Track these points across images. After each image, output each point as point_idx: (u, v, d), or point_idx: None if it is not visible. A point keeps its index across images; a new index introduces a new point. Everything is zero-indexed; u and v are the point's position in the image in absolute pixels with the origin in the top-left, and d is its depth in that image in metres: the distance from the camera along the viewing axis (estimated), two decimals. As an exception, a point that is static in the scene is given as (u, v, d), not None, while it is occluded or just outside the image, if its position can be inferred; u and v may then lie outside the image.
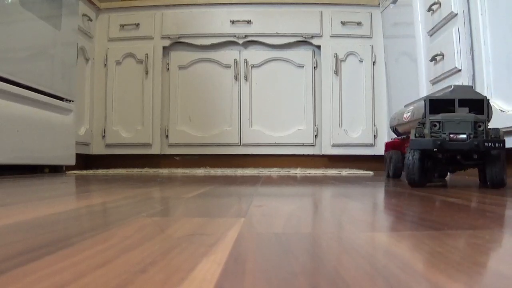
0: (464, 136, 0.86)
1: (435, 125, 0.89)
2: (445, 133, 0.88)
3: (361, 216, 0.48)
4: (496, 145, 0.84)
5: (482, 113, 0.95)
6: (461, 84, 1.18)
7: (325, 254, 0.29)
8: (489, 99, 1.00)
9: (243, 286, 0.22)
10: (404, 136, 1.33)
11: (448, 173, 1.06)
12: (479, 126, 0.88)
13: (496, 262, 0.27)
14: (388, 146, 1.48)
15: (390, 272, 0.24)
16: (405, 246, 0.31)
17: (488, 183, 0.89)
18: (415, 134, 0.90)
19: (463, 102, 0.97)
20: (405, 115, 1.28)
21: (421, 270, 0.25)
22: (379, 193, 0.83)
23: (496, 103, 1.43)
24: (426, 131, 0.90)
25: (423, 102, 1.03)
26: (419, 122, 1.00)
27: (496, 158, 0.86)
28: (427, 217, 0.49)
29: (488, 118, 0.96)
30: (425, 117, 0.98)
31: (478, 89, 1.54)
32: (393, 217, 0.48)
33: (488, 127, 0.92)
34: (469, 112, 0.94)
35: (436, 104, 0.97)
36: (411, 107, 1.25)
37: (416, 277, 0.23)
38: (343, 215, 0.49)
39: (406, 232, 0.38)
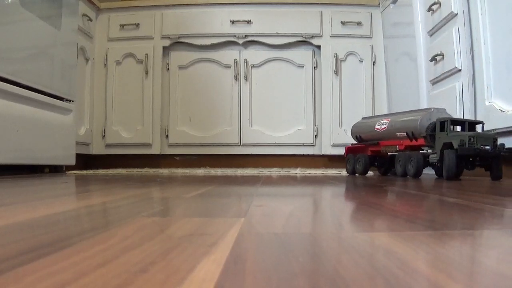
0: (489, 147, 1.23)
1: (470, 139, 1.22)
2: (477, 145, 1.22)
3: (361, 216, 0.48)
4: (502, 151, 1.23)
5: (470, 130, 1.32)
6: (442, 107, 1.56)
7: (325, 254, 0.29)
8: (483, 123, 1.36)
9: (243, 286, 0.22)
10: (372, 142, 1.68)
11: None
12: (494, 141, 1.25)
13: (496, 262, 0.27)
14: (350, 149, 1.80)
15: (390, 272, 0.24)
16: (405, 246, 0.31)
17: (492, 177, 1.27)
18: (459, 143, 1.23)
19: (457, 122, 1.35)
20: (378, 126, 1.63)
21: (421, 270, 0.25)
22: (379, 193, 0.83)
23: (496, 103, 1.43)
24: (457, 142, 1.24)
25: (401, 114, 1.55)
26: (429, 134, 1.37)
27: (499, 161, 1.24)
28: (427, 217, 0.49)
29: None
30: (433, 131, 1.36)
31: (478, 89, 1.54)
32: (393, 217, 0.48)
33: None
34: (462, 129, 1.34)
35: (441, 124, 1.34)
36: (385, 120, 1.62)
37: (416, 277, 0.23)
38: (343, 215, 0.49)
39: (406, 232, 0.38)
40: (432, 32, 1.86)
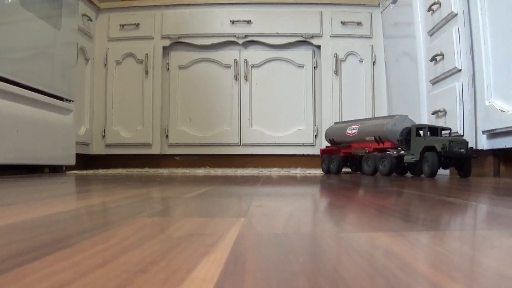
0: (463, 150, 1.41)
1: (450, 143, 1.39)
2: (455, 148, 1.40)
3: (361, 216, 0.48)
4: (473, 154, 1.43)
5: (434, 135, 1.51)
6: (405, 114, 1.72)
7: (325, 254, 0.29)
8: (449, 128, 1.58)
9: (243, 286, 0.22)
10: (344, 145, 1.88)
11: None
12: (467, 145, 1.43)
13: (496, 262, 0.27)
14: (325, 151, 1.95)
15: (390, 272, 0.24)
16: (405, 246, 0.31)
17: (462, 174, 1.46)
18: (441, 147, 1.40)
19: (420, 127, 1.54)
20: (349, 131, 1.82)
21: (421, 270, 0.25)
22: (379, 193, 0.83)
23: (496, 103, 1.43)
24: (440, 146, 1.40)
25: (368, 121, 1.76)
26: (404, 139, 1.55)
27: (470, 161, 1.44)
28: (427, 216, 0.49)
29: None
30: (407, 136, 1.54)
31: (478, 89, 1.54)
32: (393, 217, 0.48)
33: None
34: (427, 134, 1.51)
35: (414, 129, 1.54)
36: (355, 126, 1.81)
37: (416, 277, 0.23)
38: (343, 215, 0.49)
39: (406, 232, 0.38)
40: (432, 32, 1.86)
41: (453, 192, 0.83)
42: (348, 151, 1.85)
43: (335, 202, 0.65)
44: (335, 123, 2.00)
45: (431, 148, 1.43)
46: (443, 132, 1.56)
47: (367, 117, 2.07)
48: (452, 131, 1.58)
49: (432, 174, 1.41)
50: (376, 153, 1.67)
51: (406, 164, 1.58)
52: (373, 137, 1.68)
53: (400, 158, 1.57)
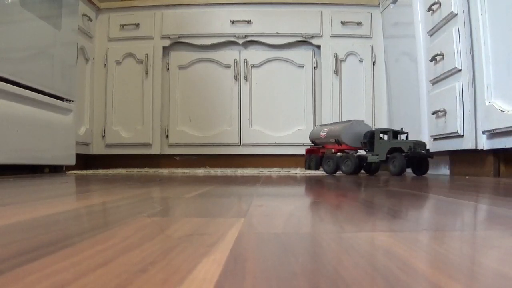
0: (424, 151, 1.59)
1: (410, 145, 1.56)
2: (418, 149, 1.57)
3: (361, 216, 0.48)
4: (430, 155, 1.61)
5: (394, 138, 1.68)
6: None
7: (325, 254, 0.29)
8: (407, 133, 1.77)
9: (243, 286, 0.22)
10: (320, 145, 2.05)
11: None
12: (425, 146, 1.61)
13: (496, 262, 0.27)
14: (309, 151, 2.11)
15: (390, 272, 0.24)
16: (405, 246, 0.31)
17: (419, 173, 1.64)
18: (407, 149, 1.56)
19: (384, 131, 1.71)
20: (321, 134, 2.00)
21: (421, 270, 0.25)
22: (378, 193, 0.83)
23: (496, 103, 1.43)
24: (406, 147, 1.58)
25: (335, 125, 1.93)
26: (368, 141, 1.73)
27: (427, 162, 1.63)
28: (427, 216, 0.49)
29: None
30: (370, 139, 1.72)
31: (478, 89, 1.54)
32: (393, 216, 0.48)
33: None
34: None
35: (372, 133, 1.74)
36: (325, 129, 1.98)
37: (416, 277, 0.23)
38: (343, 215, 0.49)
39: (406, 232, 0.38)
40: (432, 32, 1.86)
41: (456, 192, 0.83)
42: (323, 151, 2.03)
43: (335, 202, 0.65)
44: (319, 125, 2.15)
45: (397, 149, 1.60)
46: (402, 136, 1.75)
47: (337, 121, 2.20)
48: (407, 135, 1.78)
49: (401, 172, 1.56)
50: (338, 153, 1.86)
51: (365, 164, 1.76)
52: (334, 140, 1.89)
53: (360, 158, 1.73)
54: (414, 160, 1.59)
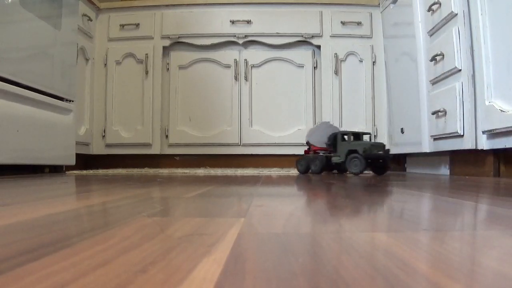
0: (381, 152, 1.68)
1: (365, 147, 1.67)
2: (374, 151, 1.67)
3: (361, 216, 0.48)
4: (389, 155, 1.71)
5: (356, 140, 1.79)
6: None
7: (325, 254, 0.29)
8: (369, 133, 1.91)
9: (243, 286, 0.22)
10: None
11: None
12: (384, 147, 1.72)
13: (496, 262, 0.27)
14: (305, 152, 2.10)
15: (390, 272, 0.24)
16: (405, 246, 0.31)
17: (379, 172, 1.73)
18: (362, 151, 1.67)
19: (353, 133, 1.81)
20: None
21: (421, 270, 0.25)
22: (379, 193, 0.83)
23: (496, 103, 1.43)
24: (362, 149, 1.68)
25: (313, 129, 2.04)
26: (332, 143, 1.84)
27: (388, 162, 1.72)
28: (427, 217, 0.49)
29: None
30: (334, 141, 1.83)
31: (478, 89, 1.54)
32: (393, 216, 0.48)
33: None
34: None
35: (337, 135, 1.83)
36: (308, 132, 2.10)
37: (416, 277, 0.23)
38: (343, 215, 0.49)
39: (406, 232, 0.38)
40: (432, 32, 1.86)
41: (456, 192, 0.83)
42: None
43: (335, 201, 0.65)
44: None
45: (355, 151, 1.71)
46: (365, 136, 1.86)
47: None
48: (370, 135, 1.91)
49: (360, 172, 1.67)
50: (311, 154, 1.97)
51: (334, 163, 1.86)
52: (306, 142, 2.02)
53: (328, 158, 1.84)
54: (371, 160, 1.69)
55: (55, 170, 2.00)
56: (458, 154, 1.85)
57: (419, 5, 1.96)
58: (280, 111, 2.57)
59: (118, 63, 2.56)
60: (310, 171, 1.90)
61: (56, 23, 1.88)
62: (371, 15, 2.53)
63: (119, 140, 2.54)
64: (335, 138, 1.82)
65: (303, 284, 0.22)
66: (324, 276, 0.24)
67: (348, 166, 1.70)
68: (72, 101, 2.06)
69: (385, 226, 0.42)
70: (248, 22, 2.55)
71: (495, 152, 1.61)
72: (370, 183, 1.15)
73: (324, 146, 1.91)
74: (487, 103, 1.47)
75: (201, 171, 1.93)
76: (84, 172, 1.94)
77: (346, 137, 1.80)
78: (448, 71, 1.69)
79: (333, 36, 2.54)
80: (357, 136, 1.79)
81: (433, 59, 1.80)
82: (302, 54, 2.58)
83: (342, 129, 2.50)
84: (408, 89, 2.14)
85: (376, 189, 0.93)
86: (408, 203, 0.63)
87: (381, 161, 1.70)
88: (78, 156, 2.21)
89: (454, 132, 1.63)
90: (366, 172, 1.87)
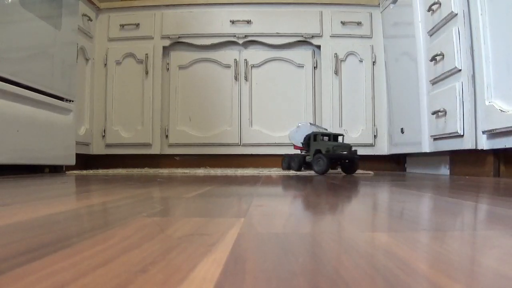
0: (346, 152, 1.73)
1: (333, 147, 1.74)
2: (339, 151, 1.73)
3: (361, 216, 0.48)
4: (356, 156, 1.76)
5: (334, 141, 1.87)
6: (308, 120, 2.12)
7: (325, 254, 0.29)
8: (343, 135, 1.96)
9: (243, 286, 0.22)
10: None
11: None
12: (350, 148, 1.76)
13: (496, 262, 0.27)
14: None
15: (390, 272, 0.24)
16: (405, 246, 0.31)
17: (347, 171, 1.80)
18: (325, 151, 1.76)
19: (325, 134, 1.88)
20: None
21: (421, 270, 0.25)
22: (379, 193, 0.83)
23: (496, 103, 1.43)
24: (325, 149, 1.77)
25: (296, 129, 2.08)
26: (306, 143, 1.93)
27: (355, 162, 1.78)
28: (427, 217, 0.49)
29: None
30: (308, 141, 1.91)
31: (478, 89, 1.54)
32: (393, 216, 0.48)
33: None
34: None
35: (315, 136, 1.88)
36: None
37: (416, 277, 0.23)
38: (343, 215, 0.49)
39: (406, 232, 0.38)
40: (432, 32, 1.86)
41: (456, 192, 0.83)
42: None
43: (334, 201, 0.65)
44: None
45: (319, 151, 1.80)
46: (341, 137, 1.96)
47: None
48: (343, 136, 2.01)
49: (323, 171, 1.74)
50: (290, 154, 2.10)
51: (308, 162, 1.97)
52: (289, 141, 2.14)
53: (304, 157, 1.94)
54: (339, 160, 1.78)
55: (55, 170, 2.00)
56: (458, 154, 1.85)
57: (419, 5, 1.96)
58: (280, 111, 2.57)
59: (118, 63, 2.56)
60: (290, 168, 2.03)
61: (56, 23, 1.88)
62: (371, 15, 2.53)
63: (119, 140, 2.54)
64: (310, 139, 1.91)
65: (303, 284, 0.22)
66: (324, 276, 0.24)
67: (314, 165, 1.79)
68: (72, 101, 2.06)
69: (385, 226, 0.42)
70: (248, 22, 2.55)
71: (495, 152, 1.61)
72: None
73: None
74: (487, 103, 1.47)
75: (201, 171, 1.93)
76: (84, 172, 1.94)
77: (326, 138, 1.87)
78: (448, 71, 1.69)
79: (333, 36, 2.54)
80: (334, 137, 1.86)
81: (433, 59, 1.80)
82: (302, 54, 2.58)
83: (342, 130, 2.51)
84: (408, 89, 2.14)
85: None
86: (408, 203, 0.63)
87: (347, 161, 1.77)
88: (78, 156, 2.21)
89: (454, 132, 1.63)
90: (336, 171, 2.00)
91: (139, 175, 1.70)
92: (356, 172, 1.92)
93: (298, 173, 1.88)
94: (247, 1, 2.56)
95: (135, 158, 2.60)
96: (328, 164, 1.73)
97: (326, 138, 1.87)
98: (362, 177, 1.52)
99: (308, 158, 1.91)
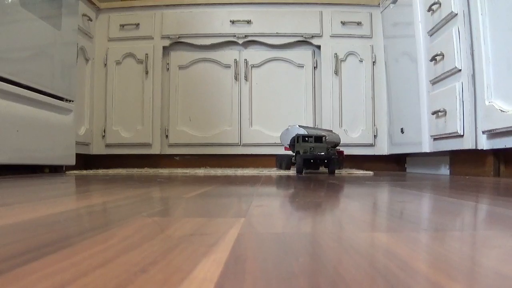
0: (323, 153, 1.78)
1: (311, 148, 1.81)
2: (316, 152, 1.80)
3: (361, 216, 0.48)
4: (333, 156, 1.78)
5: (320, 141, 1.87)
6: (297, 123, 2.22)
7: (325, 254, 0.29)
8: (325, 136, 1.90)
9: (243, 286, 0.22)
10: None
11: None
12: (328, 149, 1.82)
13: (496, 262, 0.27)
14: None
15: (390, 272, 0.24)
16: (405, 246, 0.31)
17: (329, 172, 1.80)
18: (302, 152, 1.81)
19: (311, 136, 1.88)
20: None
21: (421, 270, 0.25)
22: (379, 193, 0.83)
23: (496, 103, 1.43)
24: (302, 150, 1.82)
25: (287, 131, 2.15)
26: (292, 144, 1.97)
27: (333, 162, 1.78)
28: (427, 217, 0.49)
29: (328, 144, 1.93)
30: (294, 143, 1.93)
31: (478, 89, 1.54)
32: (393, 216, 0.48)
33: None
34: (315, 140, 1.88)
35: (303, 138, 1.89)
36: None
37: (416, 277, 0.23)
38: (343, 215, 0.49)
39: (406, 232, 0.38)
40: (432, 32, 1.86)
41: (456, 192, 0.83)
42: None
43: (335, 201, 0.65)
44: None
45: (299, 152, 1.86)
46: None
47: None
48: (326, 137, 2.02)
49: (299, 171, 1.80)
50: (281, 154, 2.21)
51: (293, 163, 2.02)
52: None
53: (291, 158, 2.03)
54: (314, 160, 1.81)
55: (55, 170, 2.00)
56: (458, 154, 1.85)
57: (419, 5, 1.96)
58: (280, 111, 2.57)
59: (118, 63, 2.56)
60: (281, 167, 2.13)
61: (56, 23, 1.88)
62: (371, 15, 2.53)
63: (119, 140, 2.54)
64: (295, 140, 1.97)
65: (303, 284, 0.22)
66: (324, 276, 0.24)
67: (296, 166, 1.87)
68: (72, 101, 2.06)
69: (385, 226, 0.42)
70: (248, 22, 2.55)
71: (495, 152, 1.61)
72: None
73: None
74: (487, 103, 1.47)
75: (201, 171, 1.93)
76: (84, 172, 1.94)
77: (310, 139, 1.90)
78: (448, 71, 1.69)
79: (333, 36, 2.54)
80: (317, 138, 1.88)
81: (433, 59, 1.80)
82: (302, 54, 2.58)
83: (342, 130, 2.51)
84: (408, 89, 2.14)
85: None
86: (408, 203, 0.63)
87: (326, 161, 1.80)
88: (78, 156, 2.21)
89: (454, 132, 1.63)
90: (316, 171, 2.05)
91: (139, 175, 1.70)
92: (356, 172, 1.91)
93: (297, 173, 1.88)
94: (247, 1, 2.56)
95: (135, 158, 2.60)
96: (301, 165, 1.78)
97: (316, 139, 1.89)
98: (362, 177, 1.52)
99: (293, 159, 2.00)
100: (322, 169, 2.11)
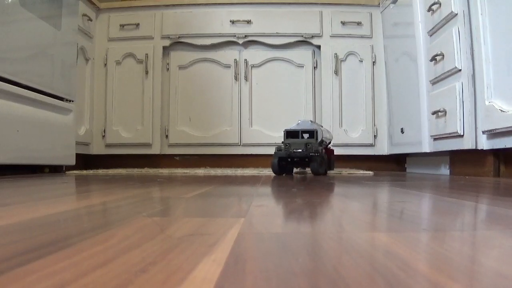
0: (300, 150, 1.63)
1: (286, 145, 1.65)
2: (292, 149, 1.64)
3: (361, 216, 0.48)
4: (315, 154, 1.61)
5: (313, 137, 1.69)
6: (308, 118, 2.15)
7: (325, 254, 0.29)
8: (317, 130, 1.71)
9: (243, 286, 0.22)
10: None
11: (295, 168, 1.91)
12: (308, 145, 1.63)
13: (496, 262, 0.27)
14: None
15: (390, 272, 0.24)
16: (405, 246, 0.31)
17: (312, 172, 1.64)
18: (276, 149, 1.67)
19: (305, 131, 1.71)
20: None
21: (421, 270, 0.25)
22: (379, 193, 0.83)
23: (496, 103, 1.43)
24: (283, 147, 1.67)
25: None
26: (283, 142, 1.79)
27: (315, 160, 1.61)
28: (427, 217, 0.49)
29: (317, 141, 1.69)
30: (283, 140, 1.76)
31: (478, 89, 1.54)
32: (393, 216, 0.48)
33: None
34: (309, 137, 1.70)
35: (291, 133, 1.72)
36: None
37: (416, 277, 0.23)
38: (343, 215, 0.49)
39: (406, 232, 0.38)
40: (432, 32, 1.86)
41: (456, 192, 0.83)
42: None
43: (335, 201, 0.65)
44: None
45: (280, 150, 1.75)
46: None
47: None
48: (317, 132, 1.84)
49: (275, 171, 1.69)
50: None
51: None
52: None
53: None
54: (292, 159, 1.68)
55: (55, 170, 2.00)
56: (458, 154, 1.85)
57: (419, 5, 1.96)
58: (280, 111, 2.57)
59: (118, 63, 2.56)
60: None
61: (56, 23, 1.88)
62: (371, 15, 2.53)
63: (119, 140, 2.54)
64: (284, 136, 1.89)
65: (303, 284, 0.22)
66: (324, 276, 0.24)
67: None
68: (72, 101, 2.06)
69: (385, 226, 0.42)
70: (248, 22, 2.55)
71: (495, 152, 1.61)
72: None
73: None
74: (487, 103, 1.47)
75: (201, 171, 1.93)
76: (84, 172, 1.94)
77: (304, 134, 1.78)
78: (448, 71, 1.69)
79: (333, 36, 2.54)
80: (312, 133, 1.73)
81: (433, 59, 1.80)
82: (302, 54, 2.58)
83: (342, 130, 2.50)
84: (408, 89, 2.14)
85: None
86: (408, 203, 0.63)
87: (306, 160, 1.64)
88: (78, 156, 2.21)
89: (454, 132, 1.63)
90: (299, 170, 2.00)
91: (139, 175, 1.70)
92: (356, 172, 1.90)
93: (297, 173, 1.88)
94: (247, 1, 2.56)
95: (135, 158, 2.60)
96: (277, 164, 1.64)
97: (307, 135, 1.76)
98: (362, 177, 1.52)
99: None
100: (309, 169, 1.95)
